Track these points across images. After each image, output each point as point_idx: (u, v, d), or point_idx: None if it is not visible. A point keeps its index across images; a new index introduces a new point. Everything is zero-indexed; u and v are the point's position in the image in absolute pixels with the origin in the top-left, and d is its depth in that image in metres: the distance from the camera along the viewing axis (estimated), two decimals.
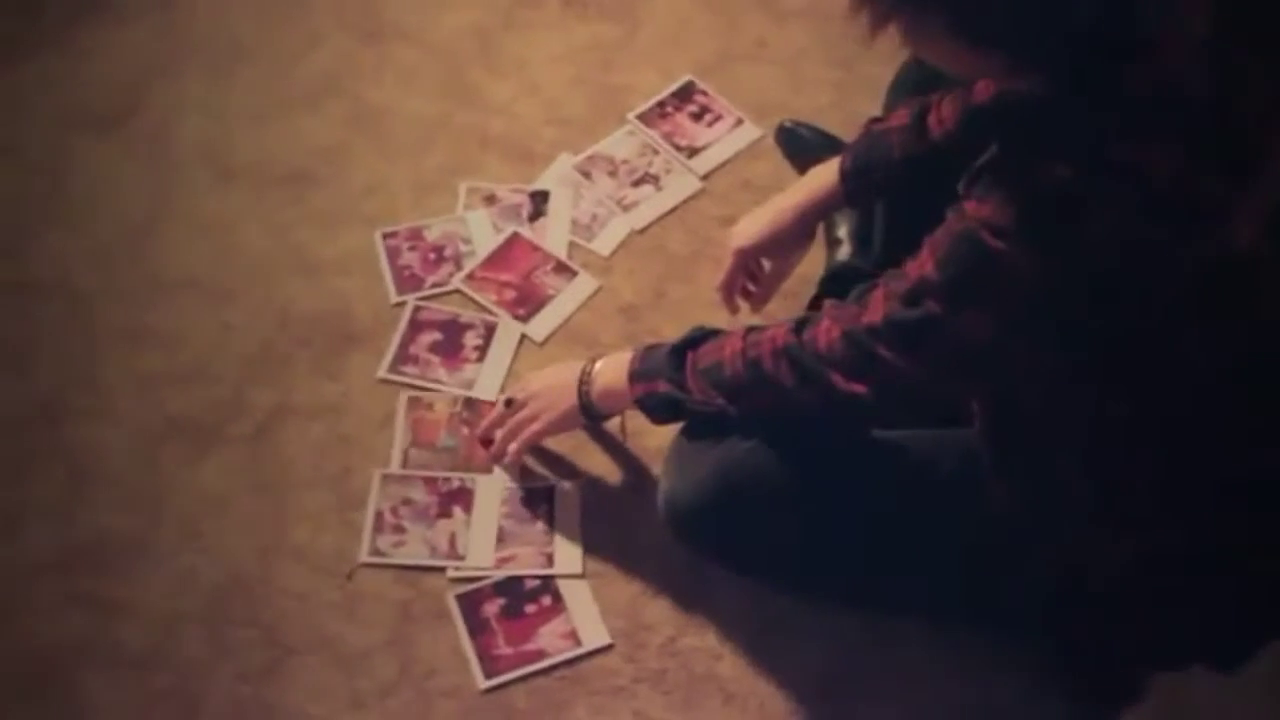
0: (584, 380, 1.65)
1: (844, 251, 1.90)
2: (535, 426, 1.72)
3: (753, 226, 1.75)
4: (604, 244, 2.02)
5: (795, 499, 1.49)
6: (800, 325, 1.42)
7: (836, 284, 1.83)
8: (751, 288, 1.78)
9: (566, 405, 1.68)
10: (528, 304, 1.95)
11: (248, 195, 2.07)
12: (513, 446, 1.74)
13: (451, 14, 2.30)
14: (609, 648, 1.67)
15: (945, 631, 1.65)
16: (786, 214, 1.74)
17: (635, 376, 1.58)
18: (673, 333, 1.59)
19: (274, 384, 1.88)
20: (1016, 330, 1.25)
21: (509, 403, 1.76)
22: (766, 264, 1.80)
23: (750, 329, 1.49)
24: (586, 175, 2.10)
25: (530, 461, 1.80)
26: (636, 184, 2.09)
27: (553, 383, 1.71)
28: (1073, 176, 1.14)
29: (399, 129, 2.15)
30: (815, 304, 1.85)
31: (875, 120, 1.69)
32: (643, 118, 2.15)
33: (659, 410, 1.57)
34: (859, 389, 1.36)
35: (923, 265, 1.27)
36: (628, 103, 2.18)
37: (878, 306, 1.32)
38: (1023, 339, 1.25)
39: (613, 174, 2.10)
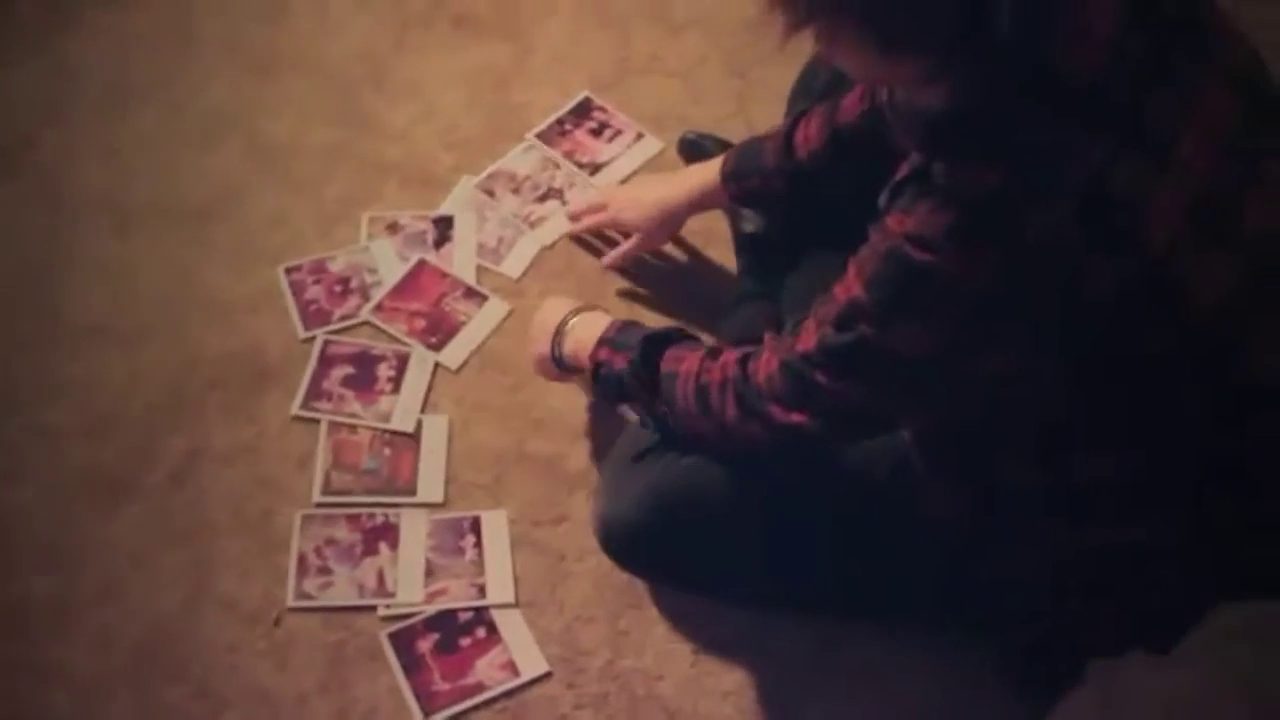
0: (559, 331, 1.65)
1: (750, 220, 1.93)
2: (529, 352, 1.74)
3: (632, 189, 1.93)
4: (513, 265, 2.01)
5: (734, 515, 1.48)
6: (746, 358, 1.41)
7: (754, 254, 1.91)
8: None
9: (540, 350, 1.69)
10: (439, 332, 1.93)
11: (148, 237, 2.03)
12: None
13: (342, 40, 2.27)
14: (548, 675, 1.66)
15: (890, 634, 1.66)
16: (679, 208, 1.86)
17: (603, 342, 1.57)
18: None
19: (186, 429, 1.84)
20: (952, 342, 1.22)
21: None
22: (636, 238, 1.92)
23: (710, 350, 1.47)
24: (490, 194, 2.08)
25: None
26: (542, 199, 2.08)
27: (542, 318, 1.71)
28: (1001, 181, 1.14)
29: (298, 161, 2.12)
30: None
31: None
32: (542, 136, 2.13)
33: (607, 385, 1.56)
34: (798, 419, 1.34)
35: (849, 288, 1.25)
36: (526, 121, 2.16)
37: (810, 334, 1.30)
38: (958, 350, 1.23)
39: (516, 191, 2.08)
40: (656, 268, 1.99)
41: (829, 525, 1.47)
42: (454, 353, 1.91)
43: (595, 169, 2.10)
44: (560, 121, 2.16)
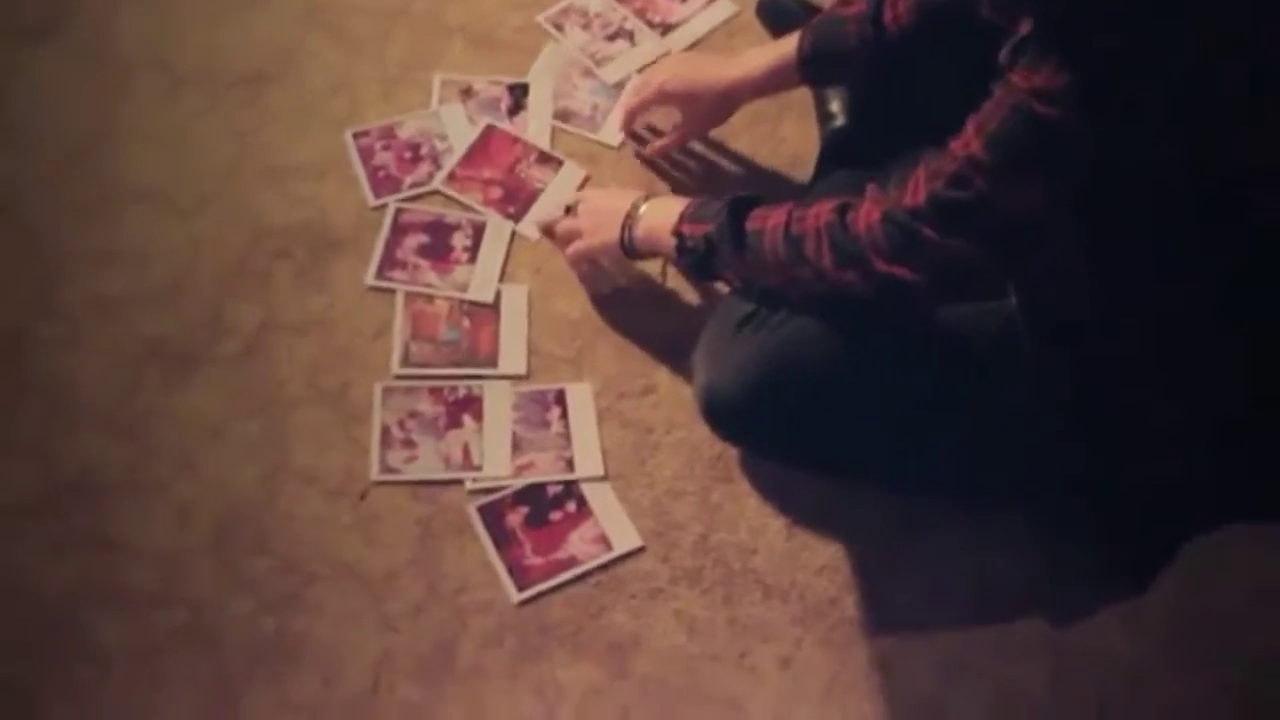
0: (630, 215, 1.63)
1: (839, 124, 1.84)
2: (578, 245, 1.71)
3: (684, 72, 1.79)
4: (611, 133, 1.93)
5: (837, 380, 1.45)
6: (844, 208, 1.38)
7: (839, 155, 1.79)
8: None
9: (609, 235, 1.66)
10: (516, 201, 1.85)
11: (201, 99, 1.94)
12: (568, 254, 1.74)
13: None
14: (641, 550, 1.62)
15: (974, 515, 1.62)
16: (712, 77, 1.76)
17: (685, 218, 1.55)
18: None
19: (255, 299, 1.77)
20: (1066, 201, 1.22)
21: (569, 209, 1.74)
22: (678, 117, 1.83)
23: (797, 205, 1.43)
24: (559, 28, 2.00)
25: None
26: (611, 38, 2.00)
27: (604, 206, 1.69)
28: (1124, 45, 1.13)
29: (354, 20, 2.03)
30: (816, 179, 1.80)
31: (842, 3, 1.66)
32: None
33: (694, 257, 1.53)
34: (901, 271, 1.33)
35: (968, 143, 1.24)
36: None
37: (919, 188, 1.29)
38: (1071, 209, 1.23)
39: (586, 26, 2.01)
40: (705, 164, 1.91)
41: (928, 391, 1.44)
42: (526, 224, 1.84)
43: (666, 29, 2.02)
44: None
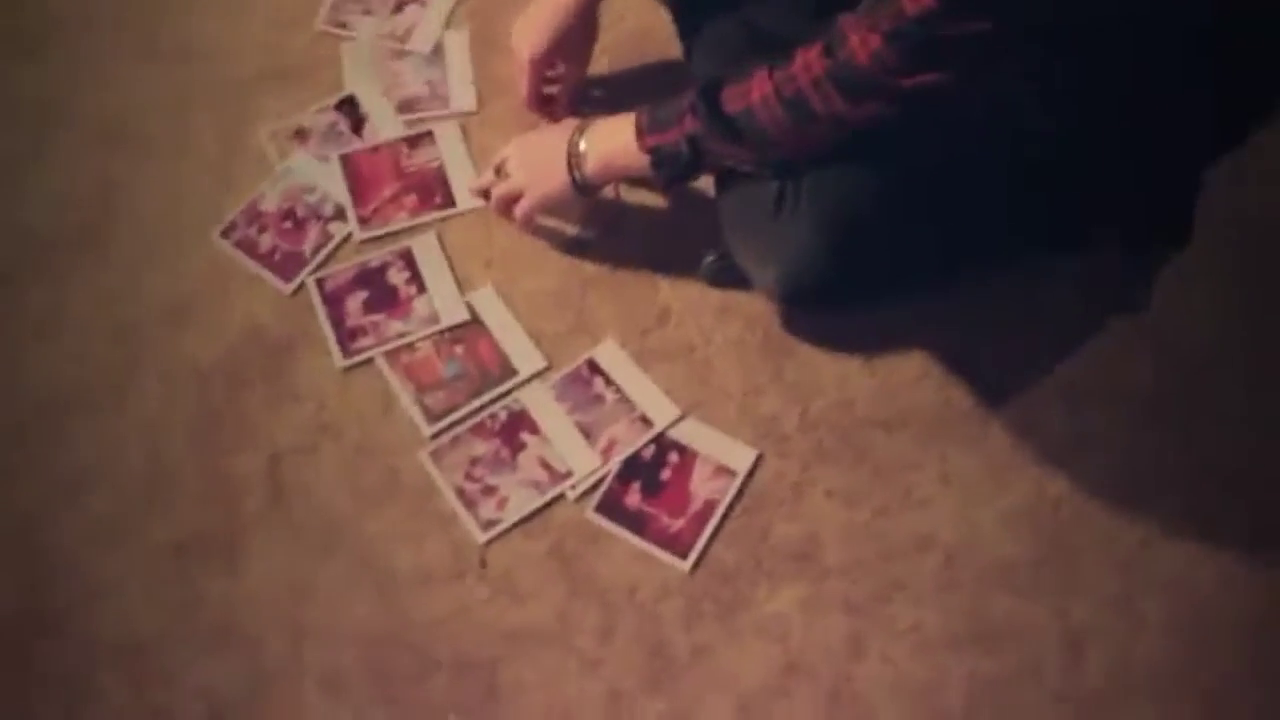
0: (572, 153, 1.56)
1: None
2: (524, 204, 1.63)
3: (536, 31, 1.68)
4: (463, 98, 1.82)
5: (906, 200, 1.41)
6: (829, 49, 1.33)
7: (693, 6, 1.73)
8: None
9: (556, 181, 1.59)
10: (434, 191, 1.74)
11: (49, 293, 1.72)
12: (517, 216, 1.65)
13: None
14: (760, 458, 1.59)
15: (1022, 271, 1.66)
16: (569, 8, 1.67)
17: (644, 131, 1.48)
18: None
19: (245, 446, 1.61)
20: None
21: (498, 169, 1.66)
22: (561, 66, 1.73)
23: (771, 68, 1.37)
24: (343, 26, 1.87)
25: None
26: (399, 8, 1.88)
27: (538, 153, 1.62)
28: None
29: (152, 125, 1.83)
30: (690, 41, 1.73)
31: None
32: None
33: (677, 165, 1.47)
34: (927, 78, 1.28)
35: None
36: None
37: None
38: None
39: (368, 11, 1.88)
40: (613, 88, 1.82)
41: (977, 165, 1.42)
42: (463, 199, 1.74)
43: None
44: None
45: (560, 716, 1.47)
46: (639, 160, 1.51)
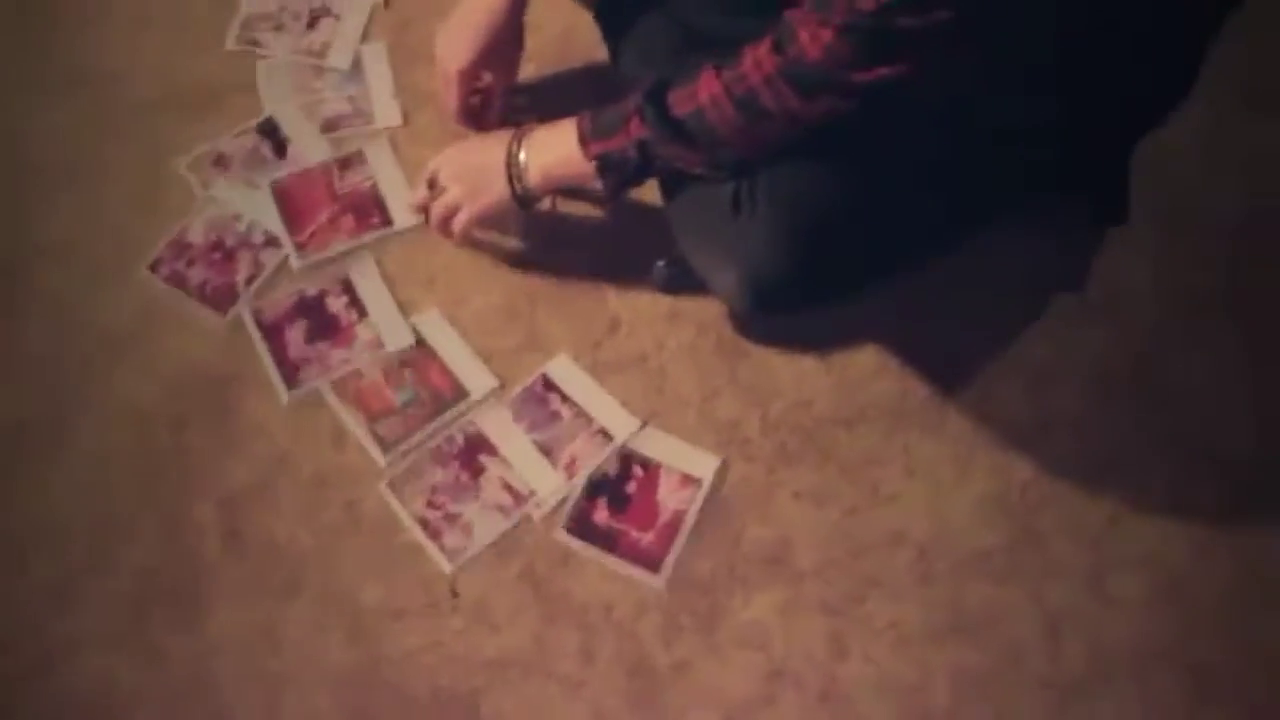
0: (511, 164, 1.51)
1: None
2: (462, 217, 1.58)
3: (462, 42, 1.64)
4: (388, 113, 1.77)
5: (869, 190, 1.40)
6: (778, 45, 1.31)
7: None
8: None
9: (495, 193, 1.55)
10: (369, 212, 1.69)
11: None
12: (455, 231, 1.60)
13: None
14: (724, 464, 1.57)
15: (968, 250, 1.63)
16: (494, 17, 1.62)
17: (588, 139, 1.45)
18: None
19: (194, 489, 1.55)
20: None
21: (431, 183, 1.60)
22: (487, 76, 1.69)
23: (719, 68, 1.35)
24: (255, 44, 1.80)
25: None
26: (312, 24, 1.82)
27: (473, 164, 1.57)
28: None
29: (56, 157, 1.76)
30: (615, 41, 1.70)
31: None
32: None
33: (625, 171, 1.45)
34: (883, 71, 1.27)
35: None
36: None
37: None
38: None
39: (279, 28, 1.81)
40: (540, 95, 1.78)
41: (936, 146, 1.42)
42: (401, 217, 1.69)
43: None
44: None
45: None
46: (583, 168, 1.47)
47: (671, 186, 1.50)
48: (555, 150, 1.49)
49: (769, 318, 1.60)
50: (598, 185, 1.48)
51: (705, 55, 1.54)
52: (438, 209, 1.60)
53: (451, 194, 1.58)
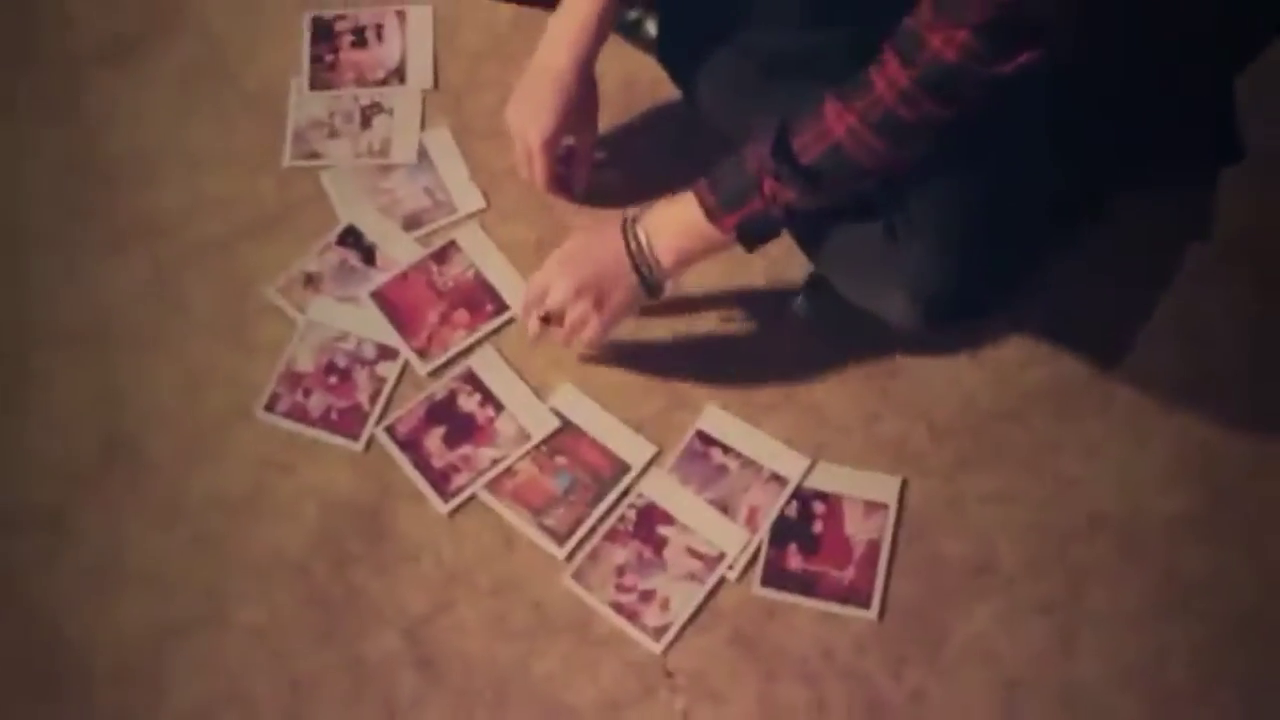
0: (636, 255, 1.45)
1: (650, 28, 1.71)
2: (595, 328, 1.50)
3: (538, 111, 1.58)
4: (466, 199, 1.70)
5: (1016, 185, 1.38)
6: (904, 59, 1.26)
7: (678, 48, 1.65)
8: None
9: (625, 292, 1.48)
10: (481, 302, 1.63)
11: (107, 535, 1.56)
12: (588, 343, 1.53)
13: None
14: (904, 483, 1.53)
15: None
16: (566, 78, 1.56)
17: (719, 208, 1.39)
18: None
19: (376, 625, 1.47)
20: None
21: (546, 319, 1.52)
22: (568, 139, 1.63)
23: (843, 99, 1.30)
24: (316, 156, 1.72)
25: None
26: (366, 123, 1.74)
27: (589, 271, 1.48)
28: None
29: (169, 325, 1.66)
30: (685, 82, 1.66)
31: None
32: (315, 82, 1.77)
33: (765, 232, 1.40)
34: (1027, 58, 1.23)
35: None
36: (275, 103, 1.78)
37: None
38: None
39: (334, 135, 1.73)
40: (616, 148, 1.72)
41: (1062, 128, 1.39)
42: (515, 300, 1.62)
43: (387, 77, 1.77)
44: (316, 59, 1.78)
45: None
46: (717, 239, 1.42)
47: (810, 232, 1.46)
48: (682, 228, 1.43)
49: (951, 331, 1.56)
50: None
51: (791, 78, 1.51)
52: (566, 332, 1.52)
53: (576, 310, 1.49)
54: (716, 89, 1.61)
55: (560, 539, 1.51)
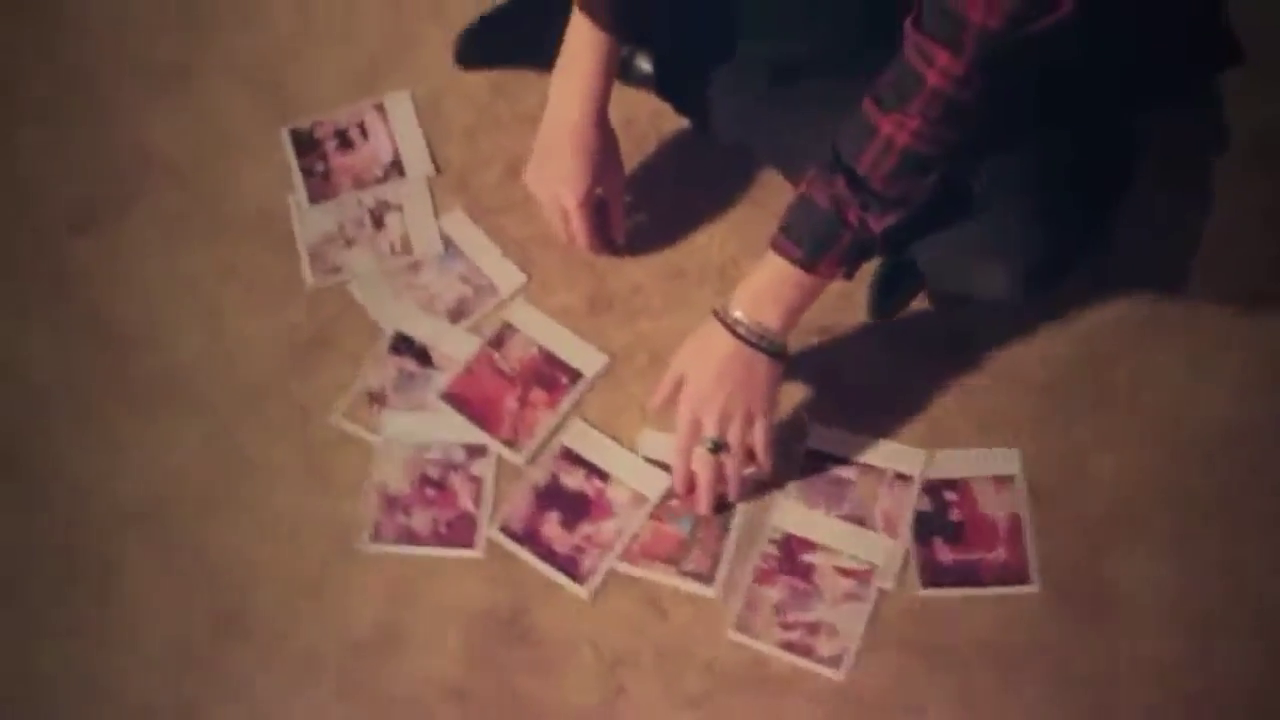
0: (750, 334, 1.41)
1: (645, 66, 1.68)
2: (763, 437, 1.46)
3: (566, 172, 1.56)
4: (505, 277, 1.64)
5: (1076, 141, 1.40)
6: (952, 45, 1.23)
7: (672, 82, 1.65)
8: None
9: (765, 381, 1.44)
10: (554, 378, 1.58)
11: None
12: (761, 464, 1.48)
13: None
14: (1022, 451, 1.54)
15: None
16: (586, 133, 1.54)
17: (814, 255, 1.36)
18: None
19: None
20: None
21: (717, 446, 1.46)
22: (598, 191, 1.60)
23: (877, 109, 1.29)
24: (337, 270, 1.65)
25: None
26: (378, 223, 1.68)
27: (719, 390, 1.43)
28: None
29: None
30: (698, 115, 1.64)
31: None
32: (316, 198, 1.69)
33: (864, 257, 1.40)
34: (1066, 8, 1.22)
35: None
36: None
37: None
38: None
39: (350, 243, 1.66)
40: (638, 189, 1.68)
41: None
42: (583, 363, 1.60)
43: (385, 173, 1.71)
44: (307, 171, 1.71)
45: None
46: (819, 284, 1.40)
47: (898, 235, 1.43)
48: (780, 290, 1.40)
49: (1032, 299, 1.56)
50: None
51: (800, 83, 1.51)
52: (734, 462, 1.47)
53: (735, 427, 1.44)
54: (730, 108, 1.60)
55: (706, 580, 1.48)
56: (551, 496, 1.52)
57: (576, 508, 1.52)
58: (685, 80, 1.64)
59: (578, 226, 1.58)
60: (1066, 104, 1.36)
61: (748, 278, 1.42)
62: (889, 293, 1.57)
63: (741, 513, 1.51)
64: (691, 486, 1.49)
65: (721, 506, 1.50)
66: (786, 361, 1.46)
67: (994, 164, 1.38)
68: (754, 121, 1.58)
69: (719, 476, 1.48)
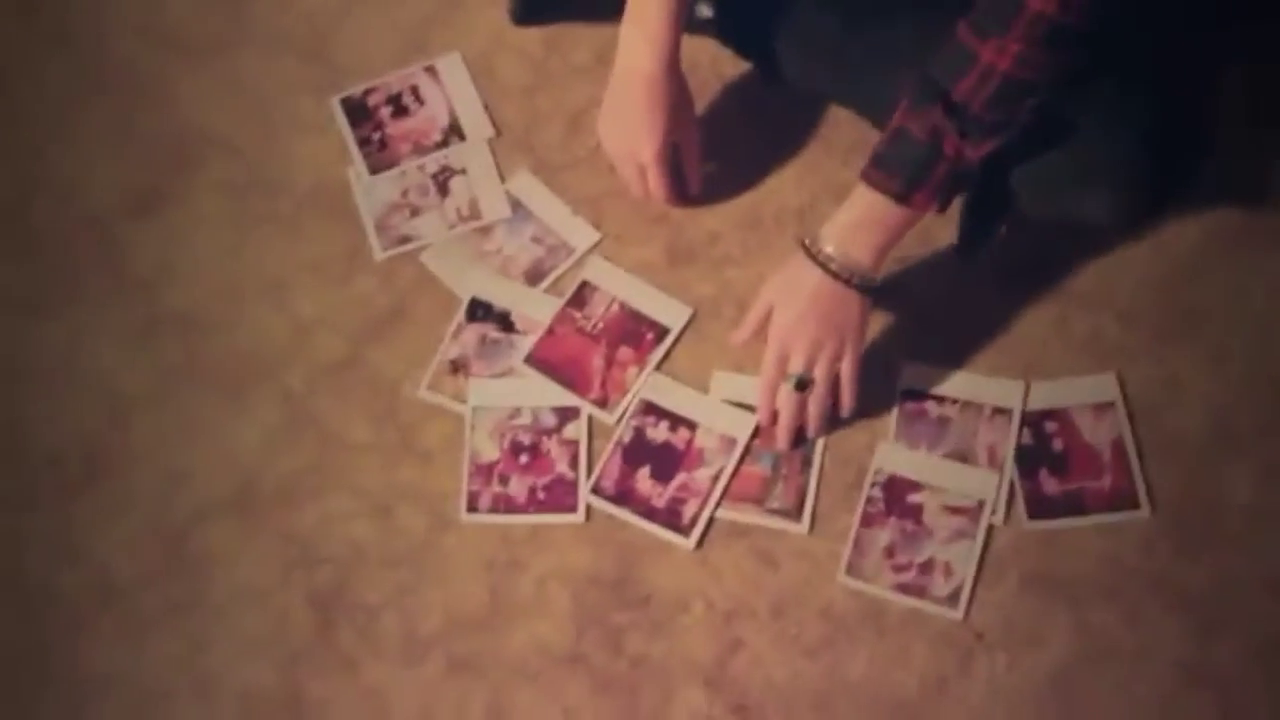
0: (841, 268, 1.39)
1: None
2: (850, 370, 1.45)
3: (641, 125, 1.52)
4: (578, 235, 1.61)
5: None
6: None
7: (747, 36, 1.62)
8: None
9: (858, 313, 1.42)
10: (638, 332, 1.56)
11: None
12: (846, 400, 1.47)
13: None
14: (1118, 376, 1.52)
15: None
16: (660, 83, 1.50)
17: (909, 188, 1.34)
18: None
19: (678, 696, 1.40)
20: None
21: (801, 384, 1.44)
22: (673, 142, 1.56)
23: (974, 34, 1.27)
24: (408, 239, 1.62)
25: None
26: (442, 189, 1.64)
27: (811, 323, 1.41)
28: None
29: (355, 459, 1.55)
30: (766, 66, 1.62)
31: None
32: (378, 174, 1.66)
33: (960, 188, 1.38)
34: None
35: None
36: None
37: None
38: None
39: (416, 212, 1.63)
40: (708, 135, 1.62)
41: None
42: (668, 317, 1.57)
43: (445, 137, 1.67)
44: (364, 141, 1.67)
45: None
46: (912, 217, 1.38)
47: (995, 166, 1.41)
48: (872, 223, 1.38)
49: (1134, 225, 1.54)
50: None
51: (873, 27, 1.48)
52: (818, 398, 1.45)
53: (825, 360, 1.43)
54: (803, 51, 1.58)
55: (794, 515, 1.46)
56: (639, 452, 1.50)
57: (667, 460, 1.49)
58: (748, 24, 1.61)
59: (655, 181, 1.54)
60: (1166, 18, 1.35)
61: (836, 213, 1.40)
62: (979, 223, 1.55)
63: (830, 453, 1.49)
64: (774, 420, 1.48)
65: (799, 440, 1.49)
66: (874, 297, 1.44)
67: (1096, 89, 1.35)
68: (832, 70, 1.56)
69: (799, 412, 1.46)
